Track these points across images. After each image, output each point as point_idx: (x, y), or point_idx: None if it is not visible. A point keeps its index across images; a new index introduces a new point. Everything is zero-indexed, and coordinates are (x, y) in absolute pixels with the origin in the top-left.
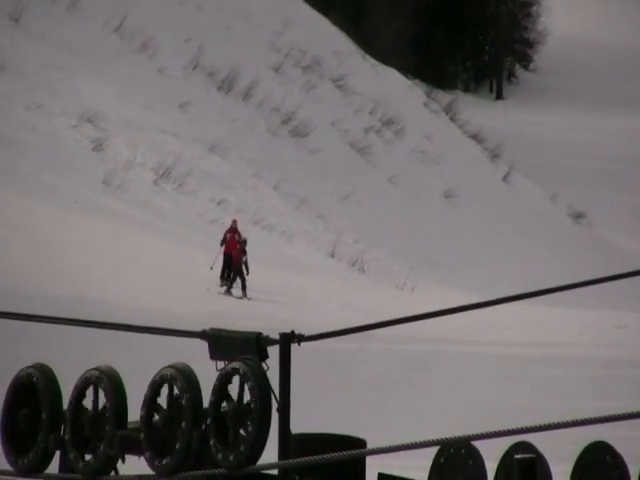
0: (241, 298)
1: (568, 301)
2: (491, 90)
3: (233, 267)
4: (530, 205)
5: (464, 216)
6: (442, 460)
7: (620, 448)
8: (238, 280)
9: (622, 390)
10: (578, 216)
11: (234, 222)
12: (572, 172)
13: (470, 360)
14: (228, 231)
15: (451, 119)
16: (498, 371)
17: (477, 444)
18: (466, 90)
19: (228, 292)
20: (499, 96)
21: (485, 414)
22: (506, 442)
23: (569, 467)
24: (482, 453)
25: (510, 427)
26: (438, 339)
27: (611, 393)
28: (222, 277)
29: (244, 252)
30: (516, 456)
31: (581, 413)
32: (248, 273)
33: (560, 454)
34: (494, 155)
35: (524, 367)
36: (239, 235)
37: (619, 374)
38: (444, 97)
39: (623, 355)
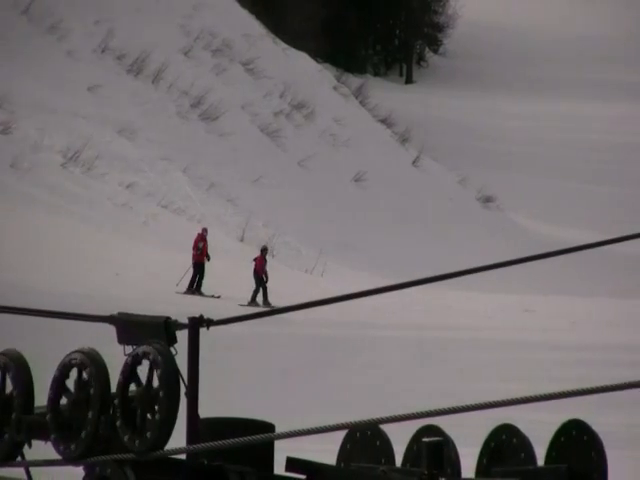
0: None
1: (477, 285)
2: (401, 74)
3: (255, 276)
4: (440, 189)
5: (374, 200)
6: (350, 443)
7: (526, 430)
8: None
9: (529, 373)
10: (487, 200)
11: (204, 230)
12: (482, 156)
13: (381, 343)
14: (199, 239)
15: (361, 103)
16: (409, 354)
17: (386, 427)
18: (376, 74)
19: (253, 303)
20: (409, 80)
21: (395, 397)
22: (415, 425)
23: (476, 450)
24: (391, 437)
25: (419, 410)
26: (349, 323)
27: (518, 376)
28: (191, 285)
29: (265, 260)
30: (424, 439)
31: (489, 396)
32: (267, 280)
33: (468, 437)
34: (404, 139)
35: (434, 350)
36: (207, 243)
37: (526, 357)
38: (354, 81)
39: (530, 338)
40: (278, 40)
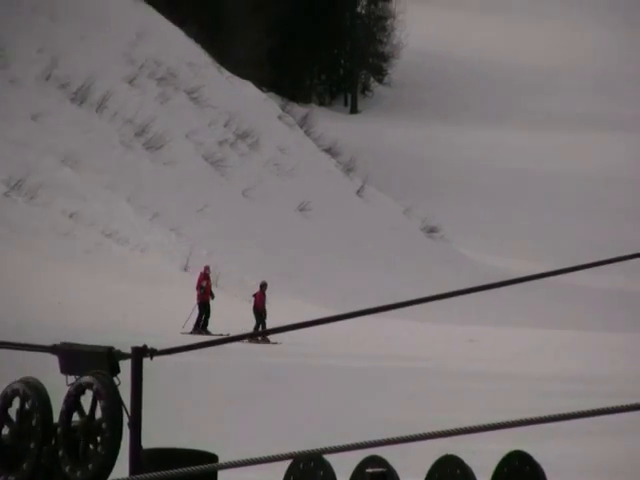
0: (263, 342)
1: (421, 315)
2: (346, 104)
3: (255, 312)
4: (384, 219)
5: (318, 229)
6: (294, 474)
7: (469, 461)
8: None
9: (473, 403)
10: (431, 230)
11: (207, 268)
12: (426, 186)
13: (326, 373)
14: (202, 278)
15: (306, 132)
16: (353, 384)
17: (330, 458)
18: (321, 103)
19: (254, 339)
20: (354, 110)
21: (339, 427)
22: (359, 456)
23: None
24: (335, 467)
25: (363, 440)
26: (293, 353)
27: (462, 406)
28: (197, 325)
29: (264, 296)
30: (368, 470)
31: (433, 426)
32: (265, 316)
33: (412, 468)
34: (348, 169)
35: (378, 380)
36: (210, 281)
37: (470, 387)
38: (299, 110)
39: (474, 368)
40: (223, 69)
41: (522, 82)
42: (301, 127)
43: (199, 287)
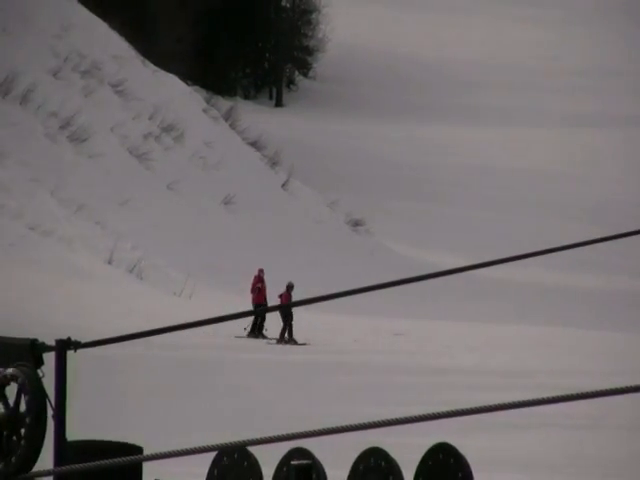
0: (288, 343)
1: (348, 308)
2: (271, 97)
3: (282, 313)
4: (309, 212)
5: (243, 223)
6: (219, 466)
7: (394, 454)
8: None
9: (399, 396)
10: (356, 224)
11: (261, 271)
12: (351, 180)
13: (250, 366)
14: (257, 281)
15: (231, 126)
16: (278, 378)
17: (255, 450)
18: (246, 97)
19: (290, 340)
20: (279, 103)
21: (264, 420)
22: (284, 448)
23: (345, 473)
24: (260, 459)
25: (287, 432)
26: (218, 345)
27: (388, 399)
28: (254, 329)
29: (290, 297)
30: (292, 462)
31: (359, 419)
32: (292, 318)
33: (336, 460)
34: (273, 162)
35: (304, 373)
36: (265, 284)
37: (397, 380)
38: (224, 104)
39: (401, 362)
40: (148, 62)
41: (446, 76)
42: (226, 120)
43: (254, 290)
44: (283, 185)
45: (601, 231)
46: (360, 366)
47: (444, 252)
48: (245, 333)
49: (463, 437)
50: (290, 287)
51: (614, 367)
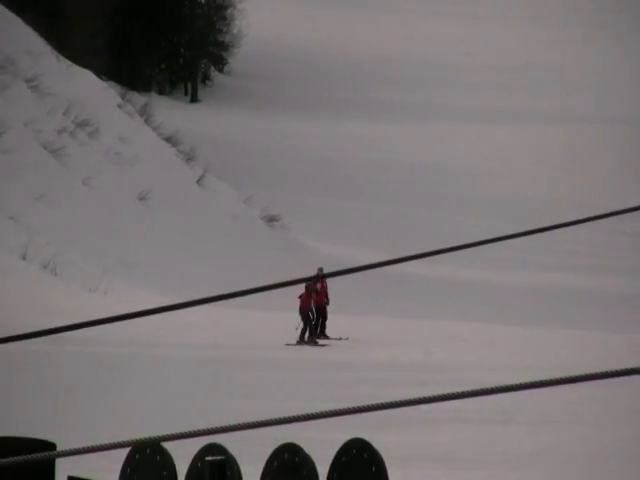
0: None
1: (263, 304)
2: (186, 93)
3: (302, 314)
4: (225, 208)
5: (158, 218)
6: (133, 461)
7: (309, 449)
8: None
9: (313, 392)
10: (272, 219)
11: (320, 270)
12: (268, 175)
13: (163, 363)
14: (316, 282)
15: (146, 121)
16: (192, 374)
17: (169, 446)
18: (161, 93)
19: (319, 337)
20: (194, 99)
21: (179, 416)
22: (198, 444)
23: (259, 468)
24: (174, 455)
25: (202, 428)
26: (131, 342)
27: (303, 395)
28: (315, 331)
29: (310, 297)
30: (207, 458)
31: (272, 414)
32: (314, 317)
33: (251, 456)
34: (189, 158)
35: (218, 370)
36: (325, 284)
37: (311, 375)
38: (139, 99)
39: (312, 357)
40: (62, 57)
41: (363, 72)
42: (141, 116)
43: (313, 291)
44: (198, 180)
45: (513, 227)
46: (272, 362)
47: (361, 248)
48: (299, 337)
49: (377, 432)
50: (309, 286)
51: (527, 362)
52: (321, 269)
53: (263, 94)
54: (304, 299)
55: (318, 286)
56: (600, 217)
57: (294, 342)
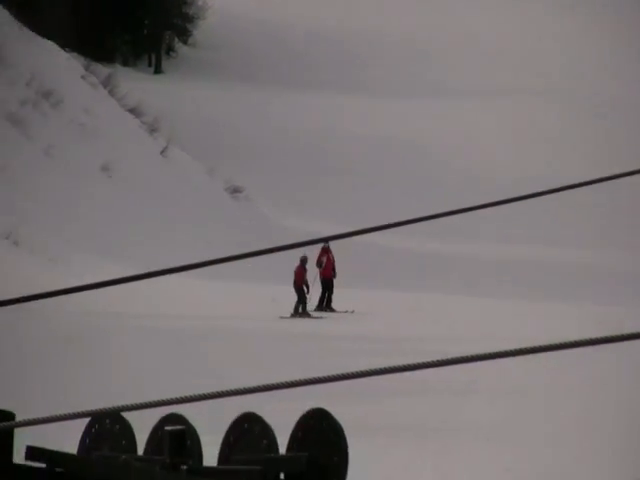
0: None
1: (227, 275)
2: (150, 64)
3: (296, 288)
4: (188, 179)
5: (122, 189)
6: (92, 432)
7: (269, 419)
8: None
9: (274, 362)
10: (235, 190)
11: (327, 243)
12: (231, 147)
13: (131, 334)
14: (323, 253)
15: (110, 92)
16: (158, 345)
17: (129, 416)
18: (125, 64)
19: (296, 314)
20: (158, 70)
21: (141, 387)
22: (158, 414)
23: (219, 438)
24: (134, 425)
25: (162, 398)
26: (94, 312)
27: (266, 365)
28: (321, 303)
29: (305, 270)
30: (166, 428)
31: (234, 385)
32: (308, 291)
33: (211, 426)
34: (152, 129)
35: (185, 341)
36: (333, 256)
37: (272, 346)
38: (103, 70)
39: (275, 327)
40: (25, 28)
41: (330, 44)
42: (105, 87)
43: (319, 263)
44: (162, 152)
45: (483, 200)
46: (234, 333)
47: (323, 220)
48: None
49: (337, 403)
50: (304, 260)
51: (483, 332)
52: (304, 257)
53: (227, 66)
54: (298, 273)
55: (324, 259)
56: (570, 187)
57: (288, 315)
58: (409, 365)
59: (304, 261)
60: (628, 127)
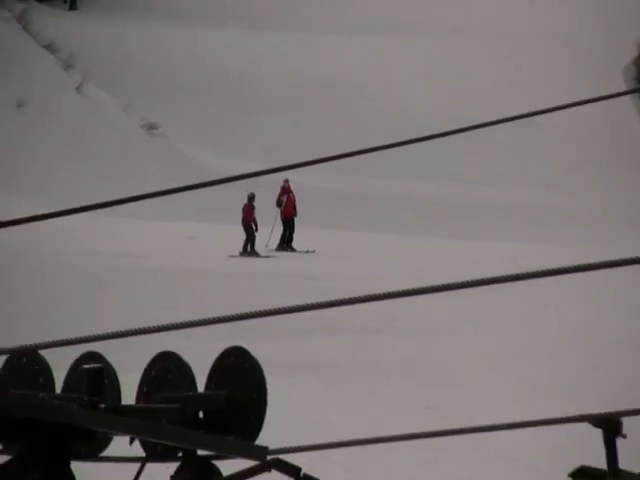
0: (252, 255)
1: (144, 213)
2: (65, 1)
3: (243, 225)
4: (104, 116)
5: (37, 126)
6: (8, 370)
7: (187, 357)
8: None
9: (193, 301)
10: (151, 127)
11: (286, 182)
12: (148, 84)
13: (41, 271)
14: (282, 193)
15: (24, 28)
16: (69, 283)
17: (47, 355)
18: (40, 0)
19: (245, 253)
20: (72, 7)
21: (59, 325)
22: (76, 352)
23: (137, 376)
24: (52, 364)
25: (79, 336)
26: (7, 250)
27: (182, 303)
28: (282, 242)
29: (253, 207)
30: (84, 366)
31: (151, 323)
32: (257, 229)
33: (130, 364)
34: (68, 65)
35: (96, 279)
36: (294, 195)
37: (191, 284)
38: (17, 6)
39: (193, 265)
40: None
41: None
42: (19, 23)
43: (278, 203)
44: (77, 88)
45: (398, 138)
46: (152, 270)
47: (239, 158)
48: (272, 248)
49: (255, 341)
50: (252, 198)
51: (402, 270)
52: (252, 194)
53: (146, 3)
54: (246, 210)
55: (284, 198)
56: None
57: (237, 254)
58: (327, 302)
59: (251, 198)
60: (538, 64)
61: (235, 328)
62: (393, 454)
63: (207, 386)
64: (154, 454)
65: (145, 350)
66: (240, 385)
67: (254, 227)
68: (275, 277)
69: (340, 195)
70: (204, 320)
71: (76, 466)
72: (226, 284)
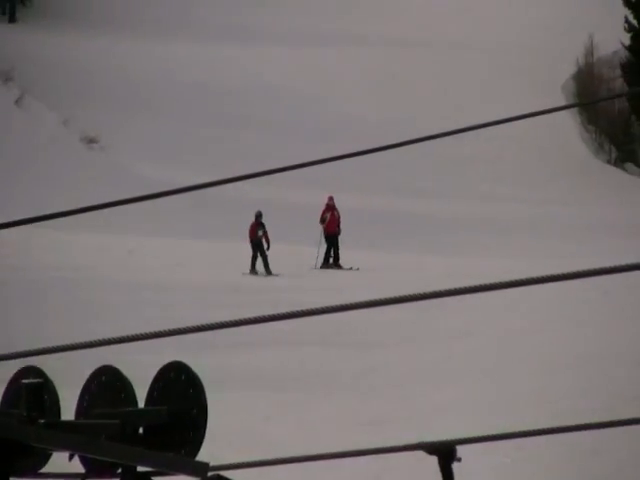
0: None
1: (75, 225)
2: (4, 12)
3: (250, 242)
4: (43, 129)
5: None
6: None
7: (127, 372)
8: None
9: (131, 314)
10: (91, 141)
11: (331, 199)
12: (88, 97)
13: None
14: (327, 210)
15: None
16: (6, 296)
17: None
18: None
19: (253, 271)
20: (12, 19)
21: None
22: (14, 367)
23: (77, 391)
24: None
25: (18, 350)
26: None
27: (120, 317)
28: (326, 260)
29: (260, 225)
30: (23, 380)
31: (90, 337)
32: (269, 247)
33: (69, 378)
34: (7, 78)
35: (34, 291)
36: (338, 213)
37: (130, 298)
38: None
39: (133, 279)
40: None
41: None
42: None
43: (322, 220)
44: (16, 101)
45: (337, 149)
46: (91, 283)
47: (180, 170)
48: (318, 266)
49: (195, 355)
50: (259, 216)
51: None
52: (259, 212)
53: (84, 15)
54: (251, 228)
55: (327, 215)
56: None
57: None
58: (269, 316)
59: (258, 216)
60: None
61: (173, 341)
62: (336, 470)
63: (147, 401)
64: (93, 470)
65: (85, 364)
66: (180, 400)
67: (266, 245)
68: (235, 291)
69: (287, 208)
70: (145, 334)
71: None
72: (164, 297)
